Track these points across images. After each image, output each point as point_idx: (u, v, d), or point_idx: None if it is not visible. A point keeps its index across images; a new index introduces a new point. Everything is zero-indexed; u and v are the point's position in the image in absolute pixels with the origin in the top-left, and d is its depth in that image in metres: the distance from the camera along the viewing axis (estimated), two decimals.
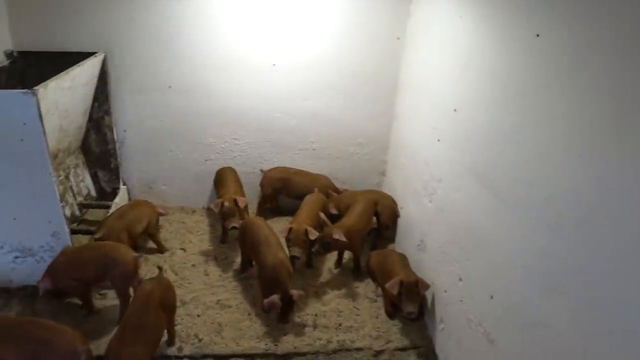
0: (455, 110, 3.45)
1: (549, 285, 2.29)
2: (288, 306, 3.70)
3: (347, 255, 4.63)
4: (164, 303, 3.27)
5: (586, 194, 2.05)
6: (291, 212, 5.03)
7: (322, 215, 4.47)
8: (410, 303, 3.64)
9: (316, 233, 4.15)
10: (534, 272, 2.43)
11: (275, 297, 3.61)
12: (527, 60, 2.54)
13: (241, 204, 4.47)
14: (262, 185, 5.14)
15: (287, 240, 4.18)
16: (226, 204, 4.42)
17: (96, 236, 4.02)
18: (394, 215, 4.84)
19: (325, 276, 4.45)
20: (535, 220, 2.42)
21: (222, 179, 4.96)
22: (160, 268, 3.49)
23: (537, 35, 2.45)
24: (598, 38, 2.00)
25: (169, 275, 4.25)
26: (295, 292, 3.68)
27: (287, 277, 3.74)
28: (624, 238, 1.83)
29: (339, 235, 4.10)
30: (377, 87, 4.97)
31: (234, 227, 4.41)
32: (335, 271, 4.53)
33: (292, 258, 4.08)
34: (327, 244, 4.15)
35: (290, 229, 4.16)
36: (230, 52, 4.69)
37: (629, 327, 1.79)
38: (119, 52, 4.63)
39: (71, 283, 3.62)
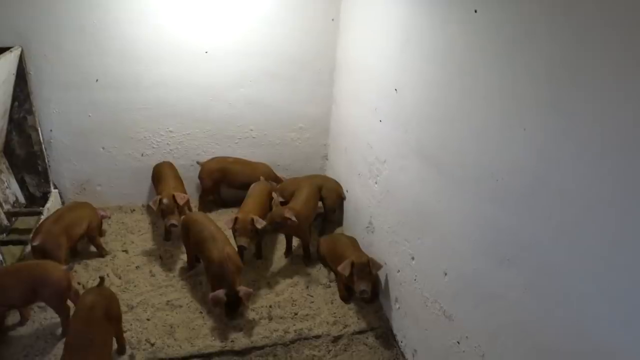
0: (395, 90, 3.44)
1: (501, 257, 2.33)
2: (236, 302, 3.60)
3: (295, 242, 4.58)
4: (109, 314, 3.09)
5: (530, 167, 2.09)
6: (235, 203, 4.93)
7: (275, 195, 4.44)
8: (362, 282, 3.62)
9: (263, 222, 4.05)
10: (485, 246, 2.47)
11: (220, 292, 3.51)
12: (466, 38, 2.54)
13: (180, 201, 4.29)
14: (200, 177, 4.98)
15: (234, 230, 4.07)
16: (164, 200, 4.25)
17: (34, 243, 3.75)
18: (339, 198, 4.83)
19: (276, 266, 4.39)
20: (482, 195, 2.45)
21: (160, 174, 4.74)
22: (102, 278, 3.25)
23: (475, 11, 2.45)
24: (534, 12, 2.02)
25: (113, 280, 4.06)
26: (242, 289, 3.57)
27: (235, 272, 3.63)
28: (568, 208, 1.88)
29: (290, 215, 4.03)
30: (315, 71, 4.90)
31: (173, 225, 4.24)
32: (286, 260, 4.47)
33: (240, 248, 3.97)
34: (277, 224, 4.07)
35: (236, 219, 4.04)
36: (159, 40, 4.46)
37: (580, 294, 1.84)
38: (38, 46, 4.29)
39: None
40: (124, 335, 3.50)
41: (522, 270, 2.19)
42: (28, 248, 4.01)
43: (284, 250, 4.54)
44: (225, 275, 3.57)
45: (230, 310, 3.69)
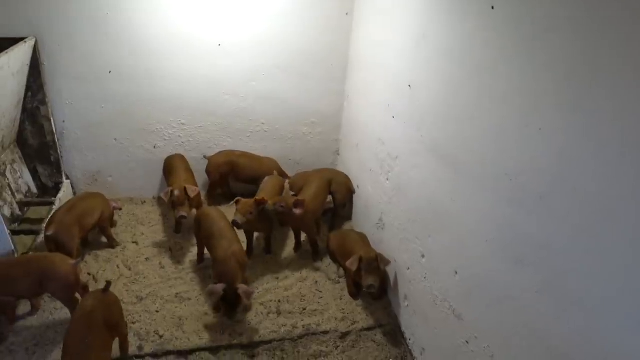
0: (409, 86, 3.41)
1: (514, 258, 2.30)
2: (235, 301, 3.55)
3: (305, 237, 4.57)
4: (109, 321, 2.97)
5: (547, 167, 2.05)
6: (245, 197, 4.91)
7: (287, 186, 4.45)
8: (370, 276, 3.59)
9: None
10: (498, 246, 2.44)
11: (219, 286, 3.48)
12: (483, 34, 2.50)
13: (191, 193, 4.28)
14: (208, 172, 4.97)
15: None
16: (176, 192, 4.23)
17: (47, 233, 3.77)
18: (350, 192, 4.81)
19: (285, 261, 4.38)
20: (497, 194, 2.42)
21: (172, 167, 4.74)
22: (108, 282, 3.11)
23: (492, 8, 2.41)
24: (554, 9, 1.98)
25: (122, 271, 4.07)
26: (242, 287, 3.51)
27: (238, 269, 3.60)
28: (586, 209, 1.84)
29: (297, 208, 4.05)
30: (328, 65, 4.87)
31: (182, 217, 4.25)
32: (295, 255, 4.46)
33: (234, 223, 3.95)
34: (281, 207, 4.05)
35: (237, 201, 4.08)
36: (173, 32, 4.45)
37: (595, 297, 1.81)
38: (52, 37, 4.30)
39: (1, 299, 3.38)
40: (134, 325, 3.52)
41: (536, 271, 2.16)
42: (40, 238, 4.04)
43: (293, 246, 4.52)
44: (228, 272, 3.55)
45: (229, 308, 3.65)
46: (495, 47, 2.40)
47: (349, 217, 4.96)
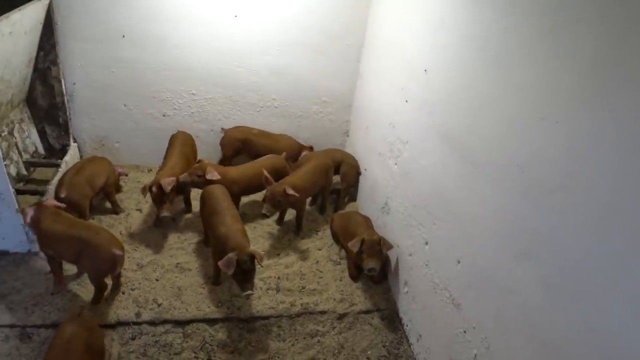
0: (425, 71, 3.35)
1: (519, 251, 2.27)
2: (248, 272, 3.28)
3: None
4: (91, 349, 2.78)
5: (561, 162, 2.01)
6: None
7: (266, 172, 4.14)
8: (371, 259, 3.58)
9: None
10: (503, 238, 2.41)
11: (231, 255, 3.20)
12: (503, 23, 2.44)
13: (166, 187, 3.85)
14: (222, 144, 4.93)
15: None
16: (153, 189, 3.89)
17: (60, 195, 3.80)
18: (357, 174, 4.78)
19: (287, 239, 4.37)
20: (506, 186, 2.38)
21: (170, 146, 4.54)
22: (81, 307, 2.99)
23: None
24: (578, 0, 1.92)
25: (124, 238, 4.07)
26: (254, 250, 3.33)
27: (245, 239, 3.47)
28: (596, 206, 1.81)
29: (290, 191, 3.96)
30: (343, 45, 4.80)
31: (165, 217, 3.97)
32: (278, 229, 4.48)
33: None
34: (279, 202, 3.99)
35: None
36: (189, 1, 4.38)
37: (598, 294, 1.78)
38: None
39: (44, 249, 3.40)
40: (133, 292, 3.55)
41: (538, 265, 2.13)
42: (44, 199, 4.04)
43: (292, 222, 4.52)
44: (236, 242, 3.33)
45: (244, 278, 3.29)
46: (514, 37, 2.34)
47: (353, 198, 4.94)
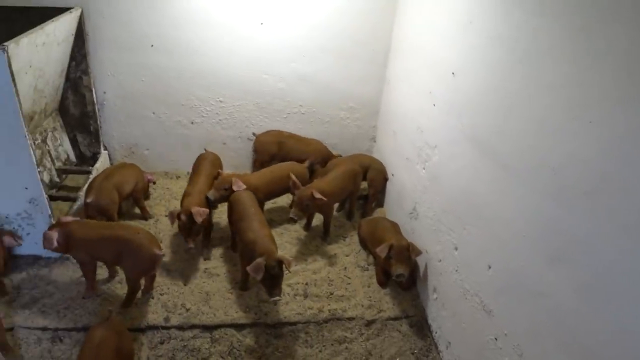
0: (453, 73, 3.30)
1: (552, 255, 2.21)
2: (276, 277, 3.25)
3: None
4: (121, 353, 2.82)
5: (595, 162, 1.95)
6: None
7: (293, 177, 4.16)
8: (400, 265, 3.53)
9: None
10: (535, 242, 2.35)
11: (259, 260, 3.19)
12: (533, 23, 2.39)
13: (198, 218, 3.61)
14: (256, 150, 4.96)
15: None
16: (182, 217, 3.65)
17: (88, 200, 3.88)
18: (385, 179, 4.75)
19: (315, 244, 4.35)
20: (538, 188, 2.32)
21: (196, 168, 4.37)
22: (110, 312, 2.99)
23: None
24: None
25: None
26: (282, 256, 3.32)
27: (273, 244, 3.45)
28: (632, 208, 1.75)
29: (318, 195, 3.94)
30: (369, 50, 4.78)
31: (190, 248, 3.74)
32: (305, 235, 4.46)
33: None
34: (307, 206, 3.96)
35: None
36: (216, 9, 4.43)
37: (634, 296, 1.72)
38: (97, 8, 4.34)
39: (82, 256, 3.44)
40: (162, 297, 3.57)
41: (573, 270, 2.07)
42: (76, 205, 4.12)
43: (320, 227, 4.49)
44: (264, 248, 3.32)
45: (272, 284, 3.25)
46: (545, 36, 2.29)
47: (380, 204, 4.91)
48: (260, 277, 3.20)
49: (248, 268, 3.21)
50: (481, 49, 2.92)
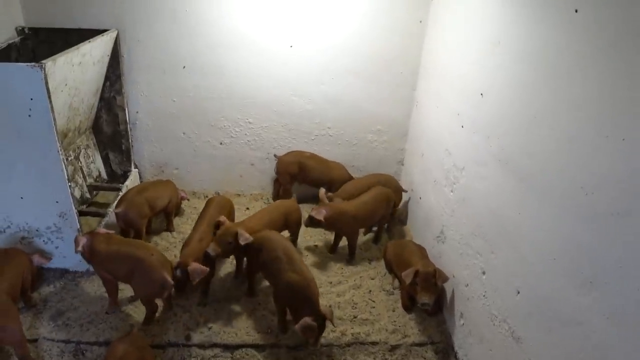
0: (481, 94, 3.26)
1: (583, 280, 2.12)
2: (320, 327, 3.22)
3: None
4: None
5: (627, 182, 1.87)
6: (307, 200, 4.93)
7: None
8: (425, 293, 3.46)
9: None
10: (566, 266, 2.25)
11: (309, 320, 3.10)
12: (562, 39, 2.34)
13: (194, 277, 3.36)
14: (277, 171, 4.98)
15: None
16: (177, 273, 3.43)
17: (116, 210, 3.95)
18: (401, 194, 4.82)
19: (339, 267, 4.29)
20: (568, 210, 2.24)
21: (203, 211, 4.06)
22: (132, 327, 3.04)
23: (576, 11, 2.25)
24: None
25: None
26: (326, 309, 3.25)
27: (317, 295, 3.33)
28: None
29: (315, 213, 4.04)
30: (398, 72, 4.77)
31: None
32: (330, 257, 4.43)
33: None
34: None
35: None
36: (246, 31, 4.52)
37: None
38: (132, 30, 4.48)
39: (100, 270, 3.49)
40: (184, 315, 3.56)
41: (606, 295, 1.97)
42: (104, 221, 4.18)
43: (344, 250, 4.45)
44: (309, 300, 3.22)
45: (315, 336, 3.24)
46: (574, 52, 2.24)
47: (403, 222, 4.90)
48: (314, 338, 3.19)
49: (298, 327, 3.12)
50: (509, 69, 2.88)
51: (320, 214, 4.03)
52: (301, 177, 4.93)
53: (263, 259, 3.53)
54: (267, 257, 3.50)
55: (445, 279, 3.55)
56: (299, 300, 3.24)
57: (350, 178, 4.99)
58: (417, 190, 4.65)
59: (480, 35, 3.34)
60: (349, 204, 4.25)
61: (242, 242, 3.50)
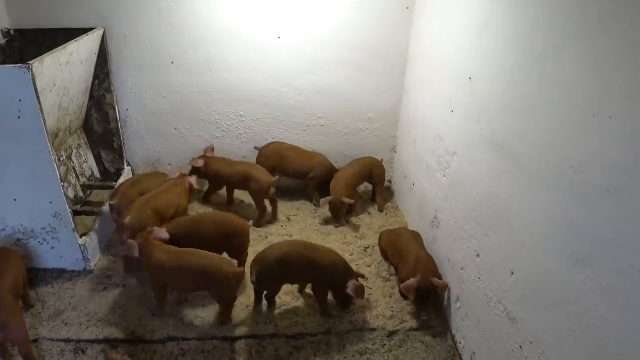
0: (470, 78, 3.27)
1: (577, 258, 2.14)
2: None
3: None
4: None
5: (616, 160, 1.89)
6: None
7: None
8: (423, 310, 3.61)
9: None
10: (559, 245, 2.28)
11: (356, 282, 3.52)
12: (549, 19, 2.35)
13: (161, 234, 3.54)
14: (259, 163, 4.92)
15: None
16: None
17: (111, 202, 3.96)
18: (384, 171, 5.05)
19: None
20: (560, 189, 2.26)
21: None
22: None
23: None
24: None
25: None
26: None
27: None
28: None
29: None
30: (387, 60, 4.78)
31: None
32: (348, 249, 4.41)
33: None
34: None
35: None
36: (233, 24, 4.50)
37: None
38: (119, 27, 4.46)
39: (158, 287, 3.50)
40: (182, 310, 3.57)
41: (599, 272, 2.00)
42: (99, 219, 4.18)
43: (343, 240, 4.49)
44: (347, 267, 3.63)
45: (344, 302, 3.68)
46: (560, 31, 2.25)
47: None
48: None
49: (351, 292, 3.49)
50: (497, 51, 2.89)
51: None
52: (281, 169, 4.90)
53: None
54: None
55: (445, 288, 3.58)
56: (340, 275, 3.54)
57: (333, 168, 4.99)
58: (410, 177, 4.67)
59: (467, 19, 3.34)
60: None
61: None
